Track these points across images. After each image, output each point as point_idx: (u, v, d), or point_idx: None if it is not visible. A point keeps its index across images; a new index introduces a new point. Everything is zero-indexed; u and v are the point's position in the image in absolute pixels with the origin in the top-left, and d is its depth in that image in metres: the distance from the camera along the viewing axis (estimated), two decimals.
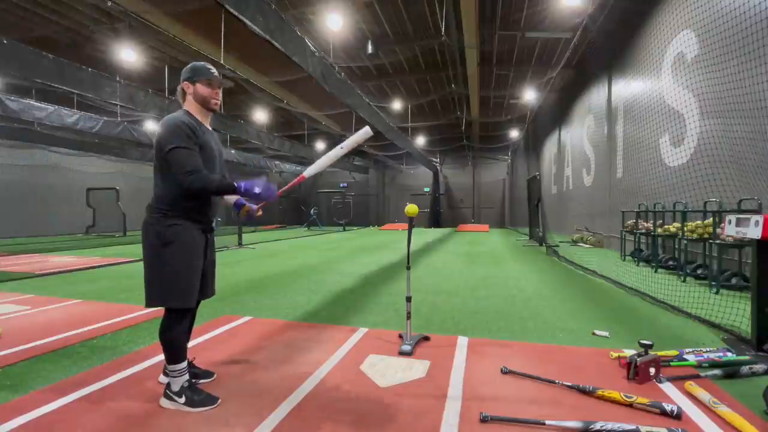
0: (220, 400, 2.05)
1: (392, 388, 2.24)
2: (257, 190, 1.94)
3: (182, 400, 1.99)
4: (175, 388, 2.01)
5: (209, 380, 2.33)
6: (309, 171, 2.26)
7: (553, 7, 9.64)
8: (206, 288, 2.21)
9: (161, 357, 2.64)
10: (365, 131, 2.27)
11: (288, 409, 2.00)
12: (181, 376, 2.03)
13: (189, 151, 1.94)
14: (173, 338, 2.02)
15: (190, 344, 2.35)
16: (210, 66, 2.16)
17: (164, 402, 2.02)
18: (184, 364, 2.06)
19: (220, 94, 2.18)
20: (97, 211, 17.04)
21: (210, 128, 2.20)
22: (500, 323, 3.55)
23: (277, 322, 3.53)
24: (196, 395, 2.02)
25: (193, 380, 2.23)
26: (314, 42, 10.42)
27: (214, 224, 2.23)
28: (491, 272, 6.45)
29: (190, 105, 2.14)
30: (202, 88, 2.10)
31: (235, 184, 1.94)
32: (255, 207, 2.16)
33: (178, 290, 1.98)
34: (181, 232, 2.00)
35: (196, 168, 1.92)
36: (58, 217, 16.95)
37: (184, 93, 2.14)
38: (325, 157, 2.26)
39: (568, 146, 14.20)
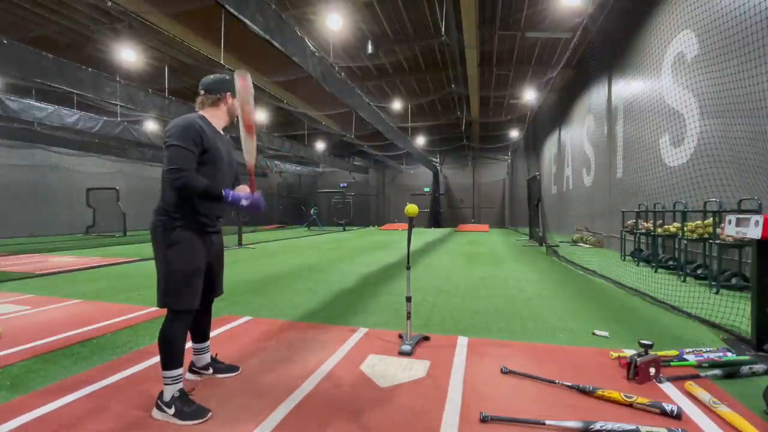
0: (210, 414, 1.95)
1: (392, 388, 2.24)
2: (244, 202, 1.99)
3: (172, 411, 1.91)
4: (167, 397, 1.94)
5: (234, 374, 2.39)
6: (248, 160, 2.03)
7: (553, 7, 9.64)
8: (214, 287, 2.25)
9: None
10: (242, 76, 1.94)
11: (288, 409, 2.00)
12: (174, 383, 1.96)
13: (185, 151, 1.93)
14: (171, 340, 1.98)
15: (193, 344, 2.36)
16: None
17: (156, 413, 1.95)
18: (180, 371, 2.00)
19: None
20: (97, 211, 17.04)
21: (222, 132, 2.20)
22: (500, 323, 3.55)
23: (277, 322, 3.53)
24: (186, 407, 1.93)
25: (217, 375, 2.33)
26: (314, 42, 10.43)
27: (217, 227, 2.22)
28: (491, 272, 6.45)
29: (215, 112, 2.15)
30: (237, 104, 2.07)
31: (223, 192, 1.97)
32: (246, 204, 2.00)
33: (180, 292, 1.98)
34: (184, 234, 2.00)
35: (183, 167, 1.91)
36: (58, 217, 16.94)
37: (216, 101, 2.14)
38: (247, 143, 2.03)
39: (568, 146, 14.20)
